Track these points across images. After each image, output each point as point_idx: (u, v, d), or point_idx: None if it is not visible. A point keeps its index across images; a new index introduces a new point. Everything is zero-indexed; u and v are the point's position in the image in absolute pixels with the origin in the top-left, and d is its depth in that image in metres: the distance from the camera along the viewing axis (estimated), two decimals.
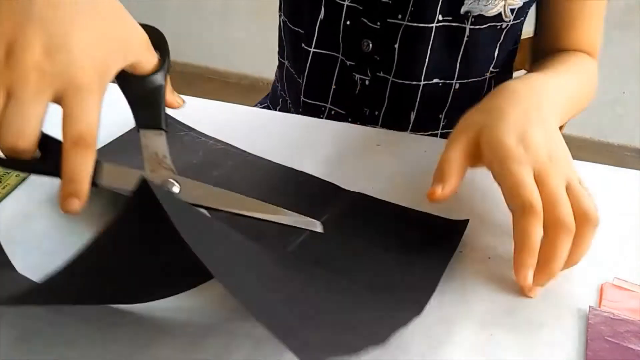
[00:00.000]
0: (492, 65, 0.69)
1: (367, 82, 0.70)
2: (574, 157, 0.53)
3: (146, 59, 0.40)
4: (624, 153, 1.76)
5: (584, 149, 1.76)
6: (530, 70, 0.71)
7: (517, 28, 0.68)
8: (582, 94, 0.61)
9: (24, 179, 0.55)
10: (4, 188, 0.53)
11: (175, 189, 0.39)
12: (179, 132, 0.60)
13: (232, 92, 2.02)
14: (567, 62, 0.64)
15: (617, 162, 0.56)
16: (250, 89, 2.00)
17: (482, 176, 0.52)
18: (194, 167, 0.56)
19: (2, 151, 0.34)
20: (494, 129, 0.42)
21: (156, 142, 0.40)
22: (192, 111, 0.57)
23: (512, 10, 0.63)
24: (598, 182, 0.54)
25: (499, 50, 0.68)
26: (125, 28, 0.38)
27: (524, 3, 0.64)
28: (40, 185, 0.53)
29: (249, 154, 0.58)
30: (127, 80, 0.41)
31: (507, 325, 0.41)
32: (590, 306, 0.42)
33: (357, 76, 0.70)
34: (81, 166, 0.34)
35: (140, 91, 0.41)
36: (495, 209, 0.50)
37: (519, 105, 0.43)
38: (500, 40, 0.67)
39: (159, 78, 0.41)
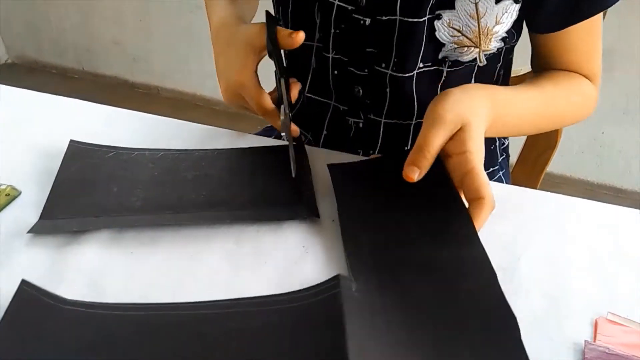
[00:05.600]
0: None
1: (360, 125, 0.71)
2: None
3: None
4: (603, 192, 1.79)
5: (563, 186, 1.79)
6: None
7: (492, 68, 0.69)
8: (549, 110, 0.64)
9: (14, 198, 0.54)
10: None
11: None
12: (128, 154, 0.59)
13: (219, 119, 2.02)
14: (545, 81, 0.64)
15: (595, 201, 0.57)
16: (237, 117, 2.00)
17: None
18: (162, 176, 0.56)
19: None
20: (470, 131, 0.50)
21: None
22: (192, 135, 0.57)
23: (485, 56, 0.64)
24: (593, 218, 0.54)
25: (474, 81, 0.68)
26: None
27: (498, 49, 0.64)
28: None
29: (204, 150, 0.60)
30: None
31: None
32: (585, 340, 0.42)
33: (351, 120, 0.71)
34: None
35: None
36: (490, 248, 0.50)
37: (478, 115, 0.52)
38: (475, 71, 0.67)
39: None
